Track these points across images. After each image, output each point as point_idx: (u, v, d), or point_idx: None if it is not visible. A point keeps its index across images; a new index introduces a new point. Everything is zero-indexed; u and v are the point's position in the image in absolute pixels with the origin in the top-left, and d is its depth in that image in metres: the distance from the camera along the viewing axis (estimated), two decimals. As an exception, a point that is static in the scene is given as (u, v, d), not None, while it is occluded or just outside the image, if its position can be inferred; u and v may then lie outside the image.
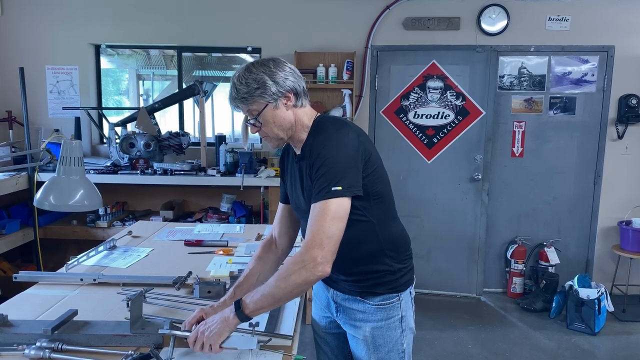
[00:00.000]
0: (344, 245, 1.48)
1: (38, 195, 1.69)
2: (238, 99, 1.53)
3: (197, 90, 4.12)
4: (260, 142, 4.51)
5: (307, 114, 1.60)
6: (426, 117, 4.36)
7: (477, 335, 3.72)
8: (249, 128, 1.60)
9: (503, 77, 4.31)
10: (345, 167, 1.45)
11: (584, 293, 3.76)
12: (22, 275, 1.94)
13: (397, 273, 1.63)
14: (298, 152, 1.62)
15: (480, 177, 4.35)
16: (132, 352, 1.33)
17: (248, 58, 4.90)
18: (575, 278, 3.91)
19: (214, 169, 4.06)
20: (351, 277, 1.62)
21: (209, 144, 4.32)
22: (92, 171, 3.97)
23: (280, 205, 1.80)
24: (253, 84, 1.50)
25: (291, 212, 1.76)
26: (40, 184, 3.73)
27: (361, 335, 1.66)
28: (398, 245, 1.65)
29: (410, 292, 1.70)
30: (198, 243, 2.41)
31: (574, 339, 3.67)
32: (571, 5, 4.17)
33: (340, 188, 1.42)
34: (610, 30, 4.17)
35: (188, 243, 2.42)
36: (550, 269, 4.26)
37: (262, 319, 1.52)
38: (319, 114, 1.64)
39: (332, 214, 1.41)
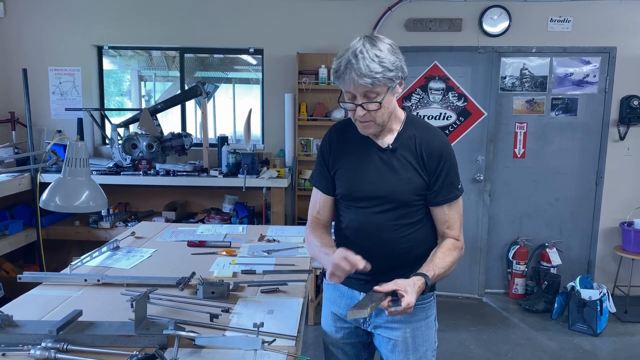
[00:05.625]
0: (408, 242, 1.56)
1: (44, 196, 1.69)
2: (365, 76, 1.38)
3: (199, 92, 4.13)
4: (262, 143, 4.51)
5: (396, 105, 1.57)
6: (428, 118, 4.36)
7: (479, 336, 3.72)
8: (357, 108, 1.46)
9: (505, 78, 4.31)
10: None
11: (586, 294, 3.76)
12: (26, 276, 1.94)
13: None
14: (390, 141, 1.56)
15: (482, 178, 4.35)
16: (137, 353, 1.33)
17: (250, 59, 4.91)
18: (577, 279, 3.91)
19: (216, 169, 4.07)
20: (403, 275, 1.47)
21: (211, 145, 4.32)
22: (94, 172, 3.97)
23: (321, 195, 1.69)
24: (389, 66, 1.41)
25: (332, 201, 1.68)
26: (43, 184, 3.76)
27: (400, 337, 1.63)
28: None
29: None
30: (201, 244, 2.42)
31: (576, 340, 3.67)
32: (573, 7, 4.17)
33: (461, 185, 1.62)
34: (612, 32, 4.17)
35: (191, 244, 2.43)
36: (552, 270, 4.26)
37: (267, 320, 1.52)
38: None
39: (461, 208, 1.64)
